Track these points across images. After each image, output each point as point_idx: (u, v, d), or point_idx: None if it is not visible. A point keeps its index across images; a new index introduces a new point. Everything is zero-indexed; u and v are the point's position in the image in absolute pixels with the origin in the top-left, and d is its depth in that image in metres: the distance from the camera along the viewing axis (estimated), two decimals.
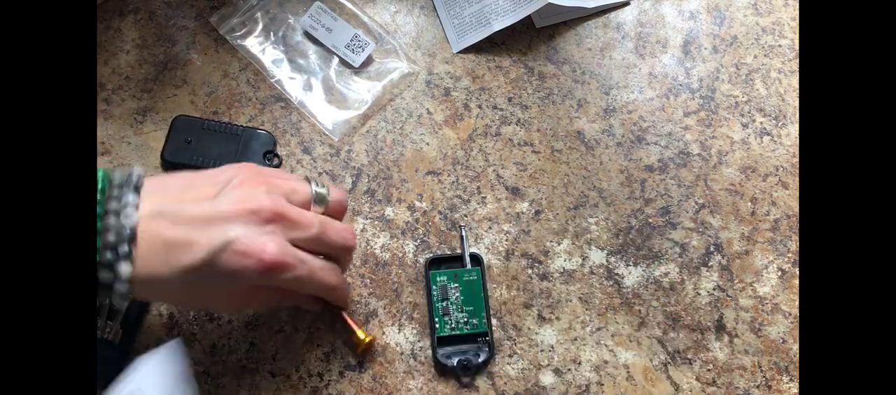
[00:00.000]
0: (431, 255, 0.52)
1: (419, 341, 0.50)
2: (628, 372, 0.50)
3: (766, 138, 0.58)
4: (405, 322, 0.50)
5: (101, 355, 0.47)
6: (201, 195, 0.39)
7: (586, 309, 0.51)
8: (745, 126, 0.58)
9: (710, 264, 0.53)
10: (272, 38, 0.59)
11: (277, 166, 0.55)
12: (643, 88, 0.59)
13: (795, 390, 0.50)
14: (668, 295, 0.52)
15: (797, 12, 0.62)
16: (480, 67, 0.59)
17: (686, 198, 0.55)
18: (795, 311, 0.52)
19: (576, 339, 0.51)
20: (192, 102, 0.56)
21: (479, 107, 0.58)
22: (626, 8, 0.62)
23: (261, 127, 0.56)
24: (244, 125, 0.55)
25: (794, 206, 0.55)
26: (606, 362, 0.50)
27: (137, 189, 0.38)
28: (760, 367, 0.50)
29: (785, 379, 0.50)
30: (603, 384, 0.49)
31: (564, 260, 0.53)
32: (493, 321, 0.51)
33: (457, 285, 0.51)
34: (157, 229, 0.37)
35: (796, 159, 0.57)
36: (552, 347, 0.50)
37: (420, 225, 0.53)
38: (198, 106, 0.56)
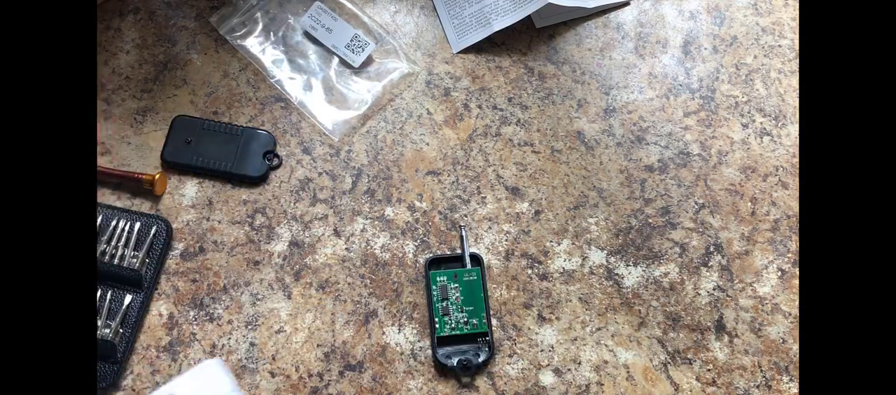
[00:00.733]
0: (431, 255, 0.52)
1: (419, 341, 0.50)
2: (628, 372, 0.50)
3: (766, 138, 0.58)
4: (405, 322, 0.50)
5: (102, 355, 0.47)
6: None
7: (586, 309, 0.51)
8: (745, 126, 0.58)
9: (710, 264, 0.53)
10: (272, 39, 0.59)
11: (277, 167, 0.55)
12: (643, 88, 0.59)
13: (795, 390, 0.50)
14: (668, 295, 0.52)
15: (797, 12, 0.62)
16: (480, 67, 0.59)
17: (686, 198, 0.55)
18: (795, 311, 0.52)
19: (576, 339, 0.51)
20: (192, 103, 0.56)
21: (479, 107, 0.58)
22: (626, 8, 0.62)
23: (261, 127, 0.56)
24: (244, 125, 0.55)
25: (794, 206, 0.55)
26: (606, 362, 0.50)
27: None
28: (760, 367, 0.50)
29: (785, 379, 0.50)
30: (603, 384, 0.49)
31: (564, 260, 0.53)
32: (493, 321, 0.51)
33: (457, 285, 0.51)
34: None
35: (796, 159, 0.57)
36: (552, 347, 0.50)
37: (420, 225, 0.53)
38: (198, 106, 0.56)
